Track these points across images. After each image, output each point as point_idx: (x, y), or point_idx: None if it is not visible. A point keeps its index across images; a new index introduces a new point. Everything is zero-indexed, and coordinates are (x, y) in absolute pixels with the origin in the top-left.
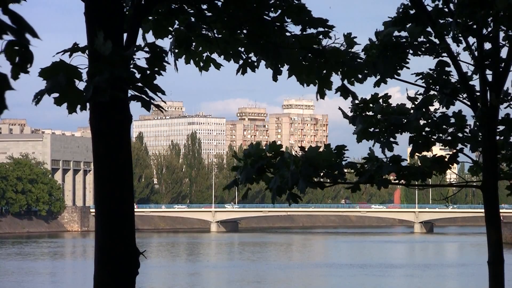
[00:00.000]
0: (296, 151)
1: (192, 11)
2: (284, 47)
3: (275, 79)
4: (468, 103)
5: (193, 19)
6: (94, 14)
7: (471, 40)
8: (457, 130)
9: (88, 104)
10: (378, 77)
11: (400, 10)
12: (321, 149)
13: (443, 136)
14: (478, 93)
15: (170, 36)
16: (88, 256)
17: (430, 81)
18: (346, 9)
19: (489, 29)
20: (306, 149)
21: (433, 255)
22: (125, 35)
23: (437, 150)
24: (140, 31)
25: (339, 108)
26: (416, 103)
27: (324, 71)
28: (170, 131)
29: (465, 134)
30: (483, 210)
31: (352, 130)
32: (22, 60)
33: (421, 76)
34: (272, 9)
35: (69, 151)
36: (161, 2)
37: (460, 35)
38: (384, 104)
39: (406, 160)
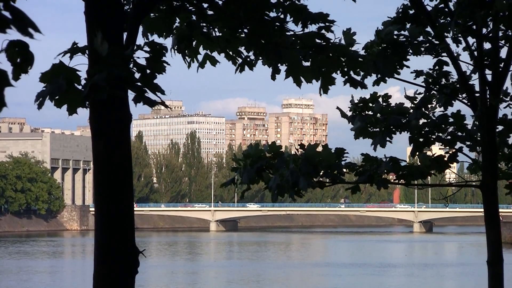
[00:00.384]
0: (296, 149)
1: (193, 9)
2: (285, 46)
3: (273, 78)
4: (468, 103)
5: (194, 18)
6: (94, 13)
7: (471, 40)
8: (457, 130)
9: (87, 103)
10: (378, 76)
11: (400, 10)
12: (319, 148)
13: (442, 135)
14: (477, 93)
15: (171, 35)
16: (87, 255)
17: (430, 80)
18: (346, 9)
19: (489, 29)
20: (305, 148)
21: (432, 255)
22: (125, 34)
23: (437, 149)
24: (141, 30)
25: (337, 108)
26: (415, 102)
27: (327, 68)
28: (170, 130)
29: (464, 133)
30: (482, 210)
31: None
32: (23, 61)
33: (421, 74)
34: (273, 8)
35: (69, 150)
36: (162, 0)
37: (459, 35)
38: (383, 104)
39: (404, 160)
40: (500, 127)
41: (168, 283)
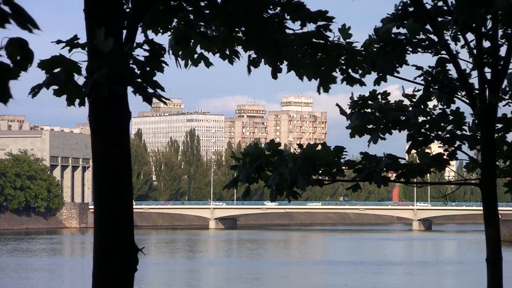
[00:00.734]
0: (294, 149)
1: (191, 8)
2: (284, 44)
3: (274, 76)
4: (467, 101)
5: (191, 17)
6: (94, 10)
7: (470, 38)
8: (456, 128)
9: (87, 101)
10: (378, 74)
11: (399, 7)
12: (319, 147)
13: (441, 133)
14: (476, 91)
15: (169, 33)
16: (86, 253)
17: (429, 78)
18: (344, 7)
19: (488, 27)
20: (304, 147)
21: (431, 253)
22: (124, 32)
23: (436, 147)
24: (140, 28)
25: (337, 104)
26: (414, 100)
27: (326, 66)
28: (169, 128)
29: (463, 131)
30: (481, 208)
31: None
32: (22, 59)
33: (421, 71)
34: (271, 6)
35: (68, 148)
36: None
37: (459, 33)
38: (382, 101)
39: (404, 158)
40: (499, 125)
41: (167, 280)
